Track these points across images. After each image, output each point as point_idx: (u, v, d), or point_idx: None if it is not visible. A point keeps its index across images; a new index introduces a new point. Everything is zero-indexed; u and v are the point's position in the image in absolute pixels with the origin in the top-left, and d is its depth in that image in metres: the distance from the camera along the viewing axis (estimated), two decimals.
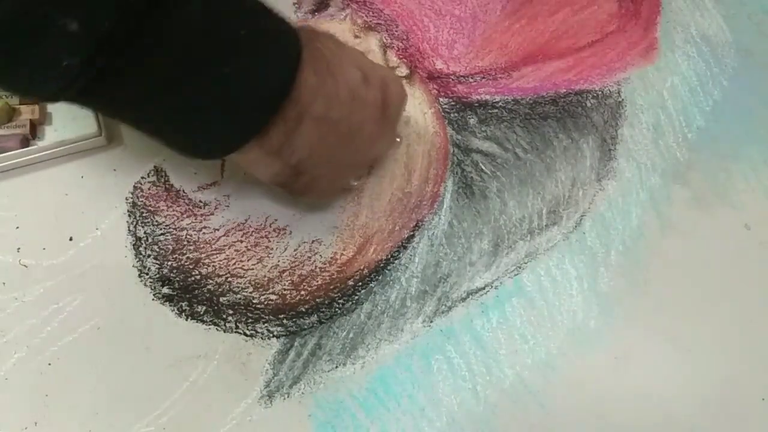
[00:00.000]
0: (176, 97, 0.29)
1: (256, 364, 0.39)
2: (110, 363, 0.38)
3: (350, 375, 0.39)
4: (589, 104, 0.50)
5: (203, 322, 0.40)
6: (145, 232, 0.42)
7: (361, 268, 0.42)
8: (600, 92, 0.51)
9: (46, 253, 0.41)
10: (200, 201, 0.43)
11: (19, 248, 0.41)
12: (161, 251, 0.41)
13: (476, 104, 0.49)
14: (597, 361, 0.40)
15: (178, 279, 0.41)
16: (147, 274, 0.41)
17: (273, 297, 0.41)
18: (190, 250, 0.42)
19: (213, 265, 0.41)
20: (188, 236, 0.42)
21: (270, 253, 0.42)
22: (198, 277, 0.41)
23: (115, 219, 0.42)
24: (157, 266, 0.41)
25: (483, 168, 0.46)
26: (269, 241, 0.42)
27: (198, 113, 0.30)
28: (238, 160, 0.36)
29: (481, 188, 0.46)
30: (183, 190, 0.44)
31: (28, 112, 0.44)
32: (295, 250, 0.42)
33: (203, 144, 0.32)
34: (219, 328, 0.39)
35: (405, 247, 0.43)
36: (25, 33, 0.23)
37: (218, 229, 0.42)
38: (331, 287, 0.41)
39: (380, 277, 0.42)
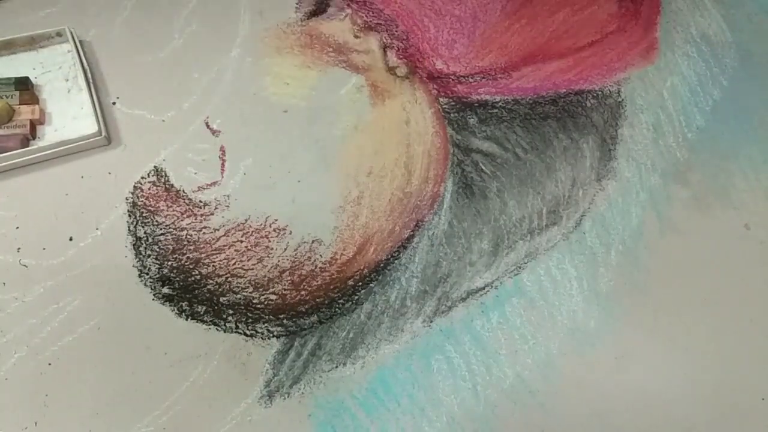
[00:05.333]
0: None
1: (256, 364, 0.39)
2: (110, 363, 0.38)
3: (350, 375, 0.39)
4: (589, 104, 0.50)
5: (203, 322, 0.40)
6: (145, 232, 0.42)
7: (361, 268, 0.42)
8: (600, 92, 0.51)
9: (46, 253, 0.41)
10: (200, 201, 0.43)
11: (19, 248, 0.41)
12: (161, 251, 0.41)
13: (476, 104, 0.49)
14: (597, 361, 0.40)
15: (178, 279, 0.41)
16: (147, 274, 0.41)
17: (273, 297, 0.41)
18: (190, 250, 0.42)
19: (213, 265, 0.41)
20: (188, 236, 0.42)
21: (270, 253, 0.42)
22: (198, 277, 0.41)
23: (115, 219, 0.42)
24: (157, 266, 0.41)
25: (483, 168, 0.46)
26: (269, 241, 0.42)
27: None
28: None
29: (481, 188, 0.46)
30: (183, 190, 0.44)
31: (28, 112, 0.44)
32: (295, 250, 0.42)
33: None
34: (219, 328, 0.39)
35: (405, 247, 0.43)
36: None
37: (218, 229, 0.42)
38: (331, 287, 0.41)
39: (380, 277, 0.42)
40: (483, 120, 0.48)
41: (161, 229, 0.42)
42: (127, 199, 0.43)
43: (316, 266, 0.42)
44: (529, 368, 0.40)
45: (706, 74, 0.52)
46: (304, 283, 0.41)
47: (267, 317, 0.40)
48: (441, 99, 0.49)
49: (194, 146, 0.45)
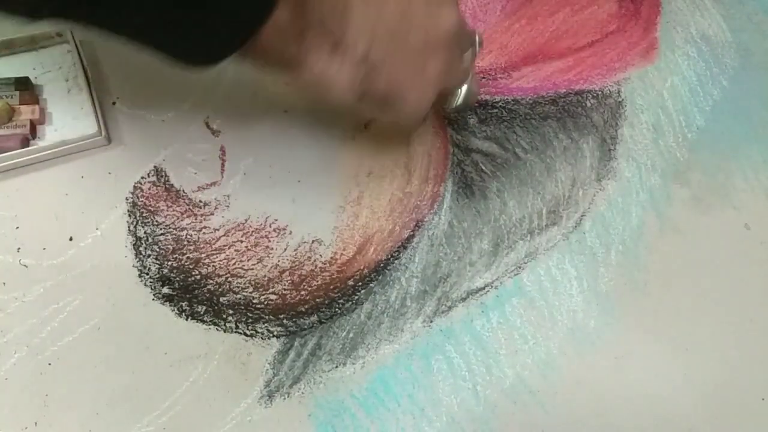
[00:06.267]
0: None
1: (256, 364, 0.39)
2: (110, 363, 0.38)
3: (350, 375, 0.39)
4: (589, 104, 0.50)
5: (203, 322, 0.40)
6: (145, 232, 0.42)
7: (361, 268, 0.42)
8: (600, 92, 0.51)
9: (46, 253, 0.41)
10: (200, 201, 0.43)
11: (19, 248, 0.41)
12: (161, 251, 0.41)
13: (476, 104, 0.49)
14: (597, 361, 0.40)
15: (178, 279, 0.41)
16: (147, 274, 0.41)
17: (273, 297, 0.41)
18: (190, 250, 0.42)
19: (213, 265, 0.41)
20: (188, 236, 0.42)
21: (270, 253, 0.42)
22: (198, 277, 0.41)
23: (115, 219, 0.42)
24: (157, 266, 0.41)
25: (483, 168, 0.46)
26: (269, 241, 0.42)
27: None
28: (312, 84, 0.33)
29: (481, 188, 0.46)
30: (183, 190, 0.44)
31: (28, 112, 0.44)
32: (295, 250, 0.42)
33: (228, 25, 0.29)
34: (219, 328, 0.39)
35: (405, 247, 0.43)
36: None
37: (218, 229, 0.42)
38: (331, 287, 0.41)
39: (380, 277, 0.42)
40: (483, 120, 0.48)
41: (161, 229, 0.42)
42: (127, 199, 0.43)
43: (316, 266, 0.42)
44: (529, 368, 0.40)
45: (706, 74, 0.52)
46: (304, 283, 0.41)
47: (267, 317, 0.40)
48: None
49: (194, 146, 0.45)
